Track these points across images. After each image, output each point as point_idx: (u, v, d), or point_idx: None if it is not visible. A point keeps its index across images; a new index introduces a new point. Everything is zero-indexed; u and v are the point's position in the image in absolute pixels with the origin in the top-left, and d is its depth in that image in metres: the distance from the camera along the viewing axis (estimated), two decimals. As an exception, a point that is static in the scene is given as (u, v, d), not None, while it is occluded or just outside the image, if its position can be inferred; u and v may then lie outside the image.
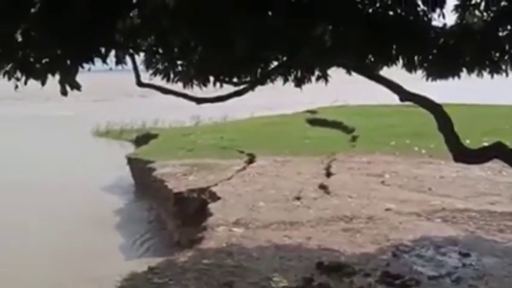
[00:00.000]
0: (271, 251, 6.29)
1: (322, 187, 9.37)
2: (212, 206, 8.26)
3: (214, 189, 9.32)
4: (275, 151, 12.70)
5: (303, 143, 14.23)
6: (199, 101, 5.66)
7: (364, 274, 5.52)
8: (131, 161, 13.78)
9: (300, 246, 6.44)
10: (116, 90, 41.83)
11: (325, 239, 6.67)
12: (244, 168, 11.05)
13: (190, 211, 9.22)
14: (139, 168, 12.94)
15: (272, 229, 7.11)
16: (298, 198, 8.62)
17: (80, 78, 3.13)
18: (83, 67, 3.20)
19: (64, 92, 3.19)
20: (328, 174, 10.49)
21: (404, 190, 9.06)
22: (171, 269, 5.82)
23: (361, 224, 7.24)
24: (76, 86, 3.16)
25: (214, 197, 8.92)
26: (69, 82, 3.15)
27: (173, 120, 23.12)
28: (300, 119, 19.90)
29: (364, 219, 7.43)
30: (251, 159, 11.97)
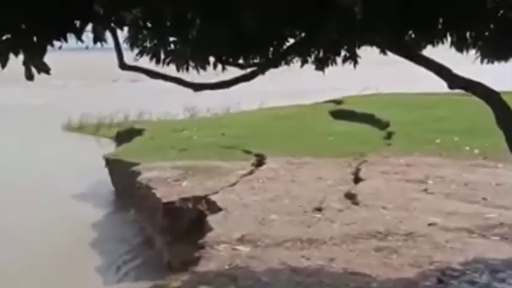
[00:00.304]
0: (285, 275, 6.30)
1: (349, 196, 9.39)
2: (212, 219, 8.29)
3: (214, 198, 9.37)
4: (290, 151, 12.76)
5: (325, 140, 14.27)
6: (197, 87, 5.67)
7: (401, 305, 5.52)
8: (110, 162, 13.85)
9: (321, 270, 6.45)
10: (98, 74, 42.05)
11: (352, 261, 6.68)
12: (251, 173, 11.10)
13: (183, 225, 9.27)
14: (120, 171, 13.01)
15: (286, 248, 7.12)
16: (318, 210, 8.63)
17: (50, 58, 3.14)
18: (52, 45, 3.21)
19: (29, 76, 3.20)
20: (357, 180, 10.50)
21: (452, 200, 9.04)
22: (160, 296, 5.86)
23: (398, 242, 7.24)
24: (44, 69, 3.17)
25: (215, 208, 8.96)
26: (35, 64, 3.16)
27: (162, 113, 23.19)
28: (321, 110, 19.91)
29: (402, 236, 7.42)
30: (260, 161, 12.02)
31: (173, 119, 22.68)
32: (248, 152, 12.84)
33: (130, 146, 15.15)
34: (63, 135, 22.73)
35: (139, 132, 17.69)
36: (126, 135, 18.56)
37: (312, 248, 7.13)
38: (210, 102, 23.09)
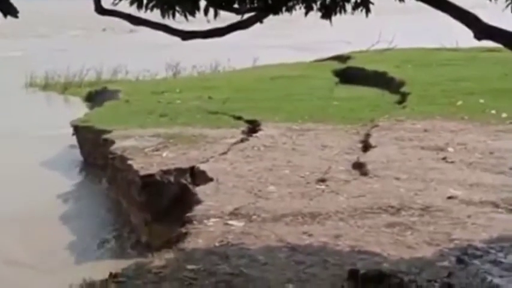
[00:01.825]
0: (284, 254, 6.37)
1: (357, 166, 9.46)
2: (201, 190, 8.34)
3: (203, 167, 9.40)
4: (287, 118, 12.73)
5: (329, 105, 14.25)
6: (186, 35, 5.66)
7: (416, 287, 5.59)
8: (79, 130, 13.76)
9: (324, 248, 6.53)
10: (88, 22, 41.56)
11: (360, 238, 6.76)
12: (242, 141, 11.11)
13: (164, 202, 9.33)
14: (90, 140, 12.95)
15: (285, 223, 7.20)
16: (322, 181, 8.70)
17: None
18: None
19: (-6, 20, 3.21)
20: (366, 147, 10.56)
21: (475, 170, 9.12)
22: (141, 276, 5.92)
23: (413, 217, 7.32)
24: (11, 12, 3.17)
25: (202, 180, 9.02)
26: (1, 6, 3.16)
27: (140, 70, 23.05)
28: (324, 69, 19.87)
29: (418, 210, 7.50)
30: (252, 129, 11.99)
31: (153, 78, 22.57)
32: (238, 118, 12.82)
33: (102, 111, 14.97)
34: (26, 93, 22.60)
35: (113, 93, 17.58)
36: (98, 96, 18.53)
37: (314, 223, 7.20)
38: (197, 59, 22.99)
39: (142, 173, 9.54)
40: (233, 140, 11.10)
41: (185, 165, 9.69)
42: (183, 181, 9.39)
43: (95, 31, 41.79)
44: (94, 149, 12.76)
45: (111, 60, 24.20)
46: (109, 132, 12.04)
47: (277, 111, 13.32)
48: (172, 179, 9.42)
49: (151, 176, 9.45)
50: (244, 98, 15.10)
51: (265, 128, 11.97)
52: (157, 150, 10.56)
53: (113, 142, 11.30)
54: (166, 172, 9.50)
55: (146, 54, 26.70)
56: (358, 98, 15.01)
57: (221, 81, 18.18)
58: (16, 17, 3.20)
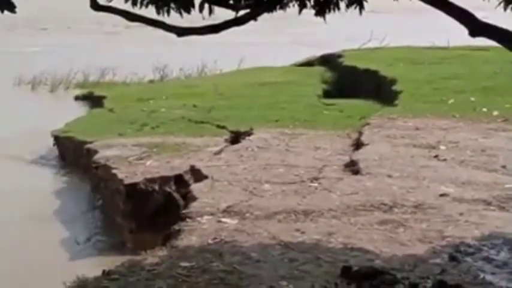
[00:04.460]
0: (277, 251, 6.38)
1: (350, 164, 9.49)
2: (195, 188, 8.37)
3: (199, 164, 9.47)
4: (276, 125, 12.59)
5: (320, 109, 14.16)
6: (181, 31, 5.66)
7: (409, 284, 5.62)
8: (60, 140, 13.61)
9: (317, 245, 6.54)
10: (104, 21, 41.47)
11: (353, 235, 6.78)
12: (220, 152, 10.95)
13: (149, 210, 9.37)
14: (71, 150, 12.89)
15: (279, 220, 7.22)
16: (315, 179, 8.73)
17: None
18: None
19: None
20: (359, 145, 10.58)
21: (467, 168, 9.15)
22: (135, 274, 5.91)
23: (406, 214, 7.34)
24: (8, 6, 3.17)
25: (197, 178, 9.05)
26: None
27: (129, 73, 22.97)
28: (314, 69, 19.78)
29: (410, 208, 7.53)
30: (235, 139, 11.91)
31: (140, 80, 22.53)
32: (222, 128, 12.64)
33: (84, 120, 14.68)
34: (15, 92, 22.50)
35: (98, 99, 17.50)
36: (87, 100, 18.53)
37: (307, 220, 7.22)
38: (184, 58, 22.93)
39: (126, 181, 9.53)
40: (215, 149, 10.99)
41: (169, 173, 9.70)
42: (168, 189, 9.42)
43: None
44: (75, 160, 12.65)
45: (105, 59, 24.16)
46: (91, 142, 11.89)
47: (264, 119, 13.08)
48: (156, 187, 9.44)
49: (135, 184, 9.45)
50: (229, 106, 14.79)
51: (257, 132, 11.90)
52: (141, 159, 10.50)
53: (96, 152, 11.22)
54: (150, 180, 9.51)
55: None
56: (348, 106, 14.79)
57: (207, 87, 17.66)
58: (14, 12, 3.19)
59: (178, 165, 10.03)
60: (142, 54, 26.05)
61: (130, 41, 31.29)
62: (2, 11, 3.20)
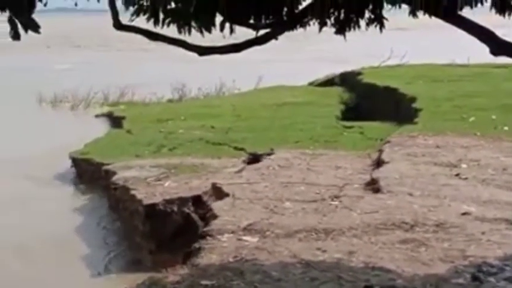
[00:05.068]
0: (298, 270, 6.36)
1: (370, 182, 9.46)
2: (216, 206, 8.40)
3: (220, 182, 9.54)
4: (296, 146, 12.60)
5: (339, 131, 14.12)
6: (203, 50, 5.68)
7: (431, 304, 5.58)
8: (77, 162, 13.66)
9: (338, 264, 6.51)
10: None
11: (374, 255, 6.74)
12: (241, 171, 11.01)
13: (168, 231, 9.37)
14: (90, 172, 12.94)
15: (299, 239, 7.19)
16: (336, 197, 8.71)
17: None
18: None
19: (16, 35, 3.23)
20: (379, 164, 10.54)
21: (488, 187, 9.08)
22: (156, 292, 5.93)
23: (427, 233, 7.29)
24: (33, 26, 3.19)
25: (204, 206, 9.16)
26: (22, 20, 3.18)
27: (149, 93, 23.15)
28: (332, 89, 19.75)
29: (432, 227, 7.47)
30: (253, 160, 11.87)
31: (159, 100, 22.71)
32: (240, 149, 12.64)
33: (102, 142, 14.70)
34: (40, 109, 22.84)
35: (118, 120, 17.67)
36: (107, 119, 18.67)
37: (328, 239, 7.19)
38: (203, 74, 23.10)
39: (145, 202, 9.56)
40: (234, 169, 10.99)
41: (188, 194, 9.72)
42: (186, 210, 9.43)
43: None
44: (93, 181, 12.69)
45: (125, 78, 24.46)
46: (108, 164, 11.95)
47: (283, 141, 13.07)
48: (175, 208, 9.46)
49: (154, 205, 9.47)
50: (247, 127, 14.81)
51: (278, 152, 11.92)
52: (159, 180, 10.54)
53: (114, 173, 11.29)
54: (169, 201, 9.53)
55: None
56: (368, 128, 14.65)
57: (225, 107, 17.85)
58: (38, 32, 3.22)
59: (197, 186, 10.07)
60: (162, 72, 26.30)
61: (154, 57, 31.59)
62: (26, 31, 3.23)
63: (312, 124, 14.91)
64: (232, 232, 7.36)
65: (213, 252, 6.80)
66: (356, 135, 13.97)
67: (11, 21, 3.20)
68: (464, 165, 10.15)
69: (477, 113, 14.01)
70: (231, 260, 6.60)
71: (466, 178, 9.50)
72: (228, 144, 13.15)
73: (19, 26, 3.19)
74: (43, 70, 31.61)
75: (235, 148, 12.78)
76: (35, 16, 3.28)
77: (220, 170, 10.99)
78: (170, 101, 23.06)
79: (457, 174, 9.68)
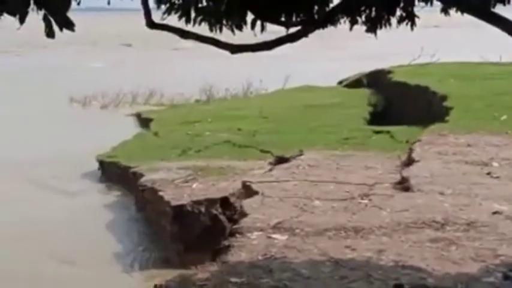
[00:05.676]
0: (327, 268, 6.35)
1: (400, 181, 9.42)
2: (245, 204, 8.44)
3: (250, 180, 9.57)
4: (325, 148, 12.59)
5: (367, 133, 14.08)
6: (235, 48, 5.71)
7: (462, 303, 5.56)
8: (105, 166, 13.75)
9: (368, 262, 6.50)
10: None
11: (404, 253, 6.70)
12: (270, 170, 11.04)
13: (196, 232, 9.44)
14: (116, 175, 13.05)
15: (329, 237, 7.19)
16: (366, 196, 8.69)
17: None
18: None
19: (50, 33, 3.27)
20: (409, 162, 10.49)
21: (521, 185, 9.01)
22: (185, 289, 5.96)
23: (458, 232, 7.24)
24: (67, 24, 3.23)
25: (232, 207, 9.27)
26: (57, 18, 3.22)
27: (175, 93, 23.26)
28: (360, 90, 19.66)
29: (462, 225, 7.43)
30: (280, 162, 11.88)
31: (187, 101, 22.82)
32: (267, 152, 12.65)
33: (129, 145, 14.85)
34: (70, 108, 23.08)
35: (146, 121, 17.80)
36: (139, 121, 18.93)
37: (357, 237, 7.17)
38: (232, 70, 23.13)
39: (173, 203, 9.66)
40: (261, 172, 11.02)
41: (215, 195, 9.80)
42: (214, 211, 9.50)
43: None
44: (121, 183, 12.86)
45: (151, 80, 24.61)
46: (136, 167, 12.09)
47: (310, 144, 13.01)
48: (203, 209, 9.53)
49: (182, 206, 9.57)
50: (274, 129, 14.86)
51: (307, 153, 11.94)
52: (186, 181, 10.65)
53: (141, 175, 11.42)
54: (197, 202, 9.61)
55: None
56: (396, 130, 14.61)
57: (252, 109, 17.86)
58: (73, 30, 3.26)
59: (224, 187, 10.15)
60: (191, 72, 26.48)
61: (185, 56, 31.68)
62: (61, 30, 3.27)
63: (339, 127, 14.93)
64: (262, 230, 7.37)
65: (243, 250, 6.82)
66: (385, 138, 13.96)
67: (45, 19, 3.26)
68: (495, 164, 10.07)
69: (509, 111, 13.88)
70: (260, 257, 6.61)
71: (497, 177, 9.42)
72: (254, 146, 13.21)
73: (53, 24, 3.24)
74: (76, 68, 31.95)
75: (262, 151, 12.82)
76: (69, 14, 3.33)
77: (247, 172, 11.06)
78: (198, 101, 23.19)
79: (489, 173, 9.61)
